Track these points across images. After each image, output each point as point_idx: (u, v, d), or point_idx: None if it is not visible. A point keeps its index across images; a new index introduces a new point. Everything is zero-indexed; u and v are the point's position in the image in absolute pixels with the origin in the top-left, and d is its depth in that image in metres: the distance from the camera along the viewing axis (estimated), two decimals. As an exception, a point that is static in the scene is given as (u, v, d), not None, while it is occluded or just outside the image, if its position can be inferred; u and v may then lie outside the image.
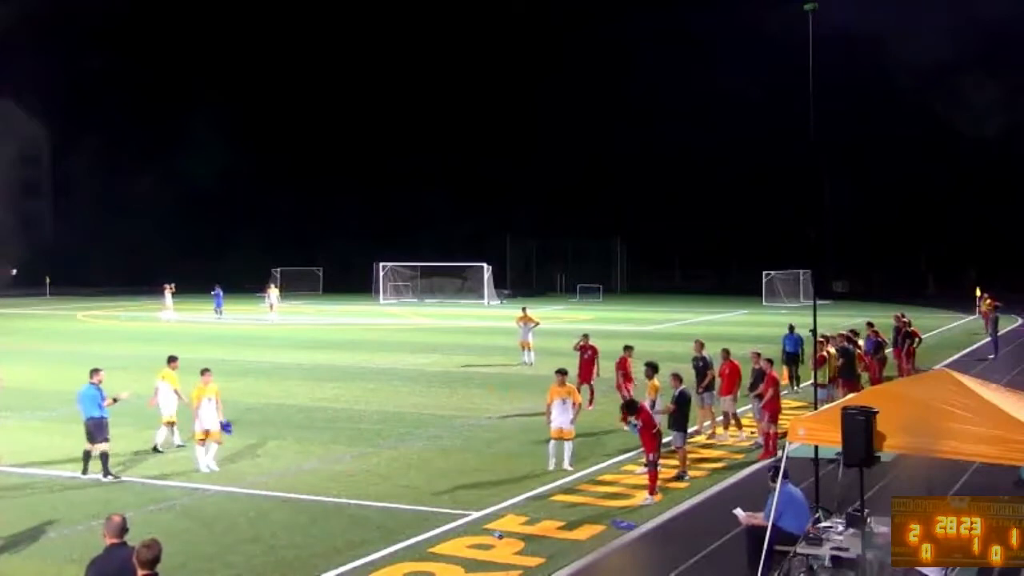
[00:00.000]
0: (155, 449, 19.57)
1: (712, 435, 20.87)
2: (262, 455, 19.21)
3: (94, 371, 17.90)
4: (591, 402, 23.52)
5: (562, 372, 18.48)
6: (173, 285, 53.86)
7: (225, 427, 18.26)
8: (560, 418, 17.72)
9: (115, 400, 17.91)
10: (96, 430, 17.34)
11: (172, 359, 20.61)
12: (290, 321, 52.15)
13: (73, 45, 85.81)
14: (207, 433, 17.86)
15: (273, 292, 54.89)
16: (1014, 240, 72.27)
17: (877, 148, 76.42)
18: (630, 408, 16.36)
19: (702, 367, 21.41)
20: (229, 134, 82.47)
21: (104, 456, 17.32)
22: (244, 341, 41.11)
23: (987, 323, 43.30)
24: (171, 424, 19.78)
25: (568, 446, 17.85)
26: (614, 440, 20.00)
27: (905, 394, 11.71)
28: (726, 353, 21.49)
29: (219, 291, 53.76)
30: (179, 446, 19.82)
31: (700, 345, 22.23)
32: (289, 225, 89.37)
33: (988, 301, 43.94)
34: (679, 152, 79.22)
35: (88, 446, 17.41)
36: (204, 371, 18.56)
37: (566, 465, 17.70)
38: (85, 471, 17.42)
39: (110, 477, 17.20)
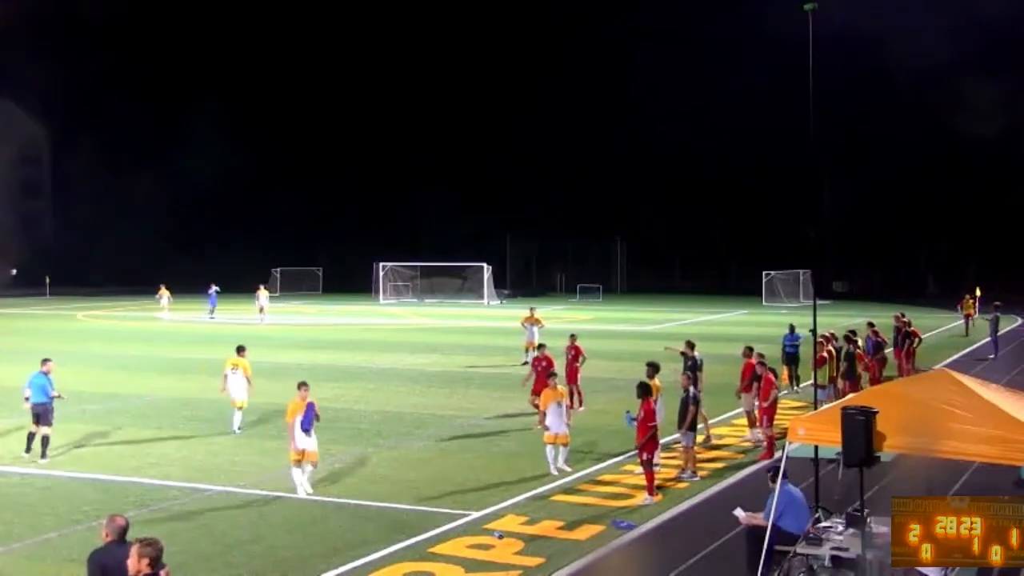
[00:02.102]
0: (235, 431, 21.09)
1: (707, 438, 20.78)
2: (262, 455, 19.20)
3: (44, 360, 19.04)
4: (580, 403, 23.40)
5: (553, 375, 18.76)
6: (162, 285, 54.05)
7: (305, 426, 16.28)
8: (556, 423, 17.69)
9: (59, 396, 19.00)
10: (42, 415, 18.51)
11: (241, 348, 22.24)
12: (281, 321, 51.98)
13: (73, 45, 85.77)
14: (303, 453, 16.15)
15: (263, 295, 53.06)
16: (1014, 240, 72.27)
17: (877, 148, 76.44)
18: (644, 390, 16.27)
19: (691, 368, 21.20)
20: (229, 134, 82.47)
21: (45, 439, 18.51)
22: (243, 341, 40.84)
23: (968, 324, 43.29)
24: (241, 408, 21.30)
25: (563, 450, 17.83)
26: (614, 440, 20.00)
27: (905, 394, 11.70)
28: (748, 352, 21.21)
29: (213, 291, 53.61)
30: (238, 429, 21.12)
31: (691, 346, 22.19)
32: (289, 225, 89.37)
33: (971, 302, 43.89)
34: (679, 152, 79.24)
35: (34, 428, 18.50)
36: (301, 384, 16.77)
37: (563, 466, 17.68)
38: (28, 449, 18.55)
39: (46, 459, 18.32)
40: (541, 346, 24.40)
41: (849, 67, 64.09)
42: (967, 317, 43.98)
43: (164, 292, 54.31)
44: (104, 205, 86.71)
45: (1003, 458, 10.39)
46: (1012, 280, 64.99)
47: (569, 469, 17.65)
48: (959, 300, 46.32)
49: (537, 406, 21.85)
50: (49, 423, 18.58)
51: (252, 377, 21.66)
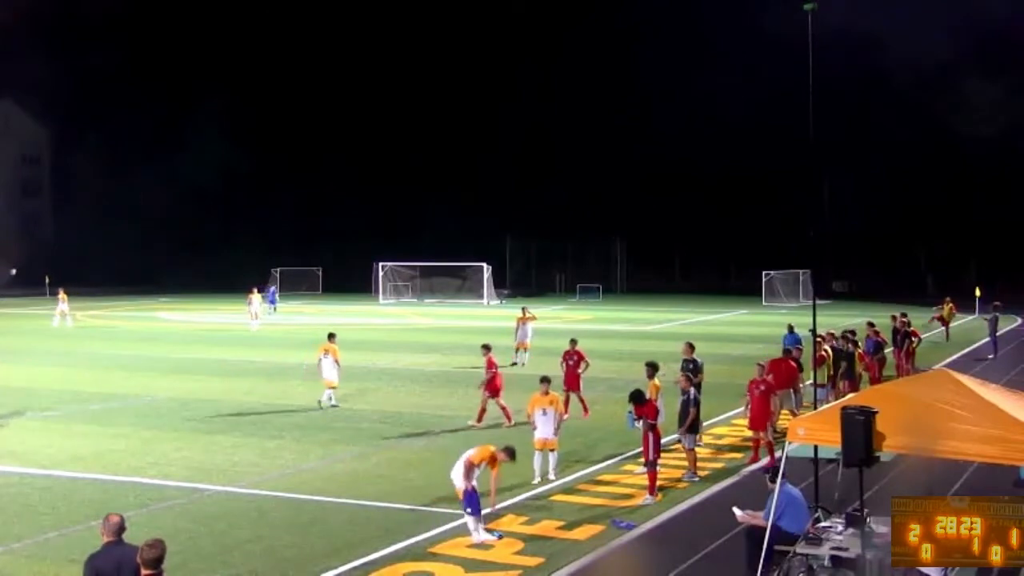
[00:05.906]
0: (319, 405, 23.81)
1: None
2: (262, 455, 19.18)
3: None
4: (585, 411, 22.90)
5: (546, 380, 17.98)
6: (61, 289, 52.31)
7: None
8: (544, 428, 17.22)
9: None
10: None
11: (332, 335, 25.09)
12: (281, 321, 51.89)
13: (73, 44, 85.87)
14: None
15: (255, 298, 50.29)
16: (1014, 240, 72.25)
17: (877, 148, 76.44)
18: (637, 398, 16.19)
19: (692, 370, 21.02)
20: (229, 134, 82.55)
21: None
22: (244, 341, 41.11)
23: (946, 329, 42.11)
24: (333, 388, 24.05)
25: (553, 456, 17.28)
26: (613, 440, 19.98)
27: (905, 394, 11.68)
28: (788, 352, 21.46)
29: (272, 290, 53.18)
30: (333, 406, 23.80)
31: (690, 348, 21.86)
32: (289, 225, 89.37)
33: (950, 306, 43.00)
34: (679, 151, 79.27)
35: None
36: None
37: (551, 475, 17.15)
38: None
39: None
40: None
41: (849, 67, 64.09)
42: (942, 322, 41.69)
43: (63, 296, 51.28)
44: (104, 205, 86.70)
45: (1003, 458, 10.38)
46: (1012, 280, 64.94)
47: (553, 477, 17.08)
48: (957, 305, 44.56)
49: (485, 407, 21.86)
50: None
51: (340, 361, 24.48)
